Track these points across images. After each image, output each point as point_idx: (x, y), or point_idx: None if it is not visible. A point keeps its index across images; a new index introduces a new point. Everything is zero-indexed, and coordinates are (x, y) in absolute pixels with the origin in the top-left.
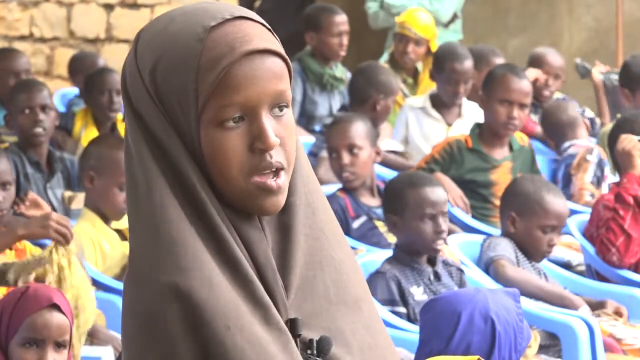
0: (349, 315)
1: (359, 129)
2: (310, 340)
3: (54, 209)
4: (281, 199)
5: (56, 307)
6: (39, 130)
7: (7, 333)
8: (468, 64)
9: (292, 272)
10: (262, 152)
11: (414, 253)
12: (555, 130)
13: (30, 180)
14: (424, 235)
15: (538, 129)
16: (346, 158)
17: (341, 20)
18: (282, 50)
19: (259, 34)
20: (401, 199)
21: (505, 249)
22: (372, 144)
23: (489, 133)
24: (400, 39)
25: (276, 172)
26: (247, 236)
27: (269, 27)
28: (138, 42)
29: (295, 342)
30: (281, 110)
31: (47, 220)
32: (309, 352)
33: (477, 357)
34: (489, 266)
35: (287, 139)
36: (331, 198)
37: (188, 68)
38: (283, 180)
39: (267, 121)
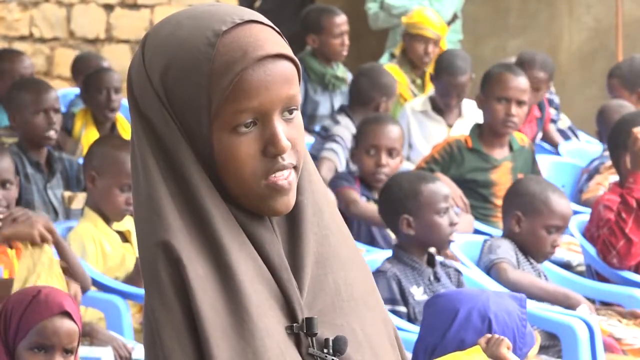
0: (359, 312)
1: (399, 134)
2: (326, 340)
3: (54, 208)
4: (292, 199)
5: (67, 314)
6: (52, 132)
7: (15, 335)
8: (463, 78)
9: (304, 271)
10: (275, 156)
11: (416, 252)
12: (605, 128)
13: (30, 181)
14: (442, 229)
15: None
16: (385, 159)
17: (341, 20)
18: (292, 54)
19: (271, 38)
20: (415, 197)
21: (506, 252)
22: (402, 152)
23: (488, 133)
24: (419, 39)
25: (287, 172)
26: (259, 237)
27: (278, 29)
28: (145, 45)
29: (312, 341)
30: (291, 113)
31: (35, 222)
32: (325, 351)
33: (477, 347)
34: (490, 269)
35: (298, 140)
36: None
37: (200, 73)
38: (293, 178)
39: (279, 125)
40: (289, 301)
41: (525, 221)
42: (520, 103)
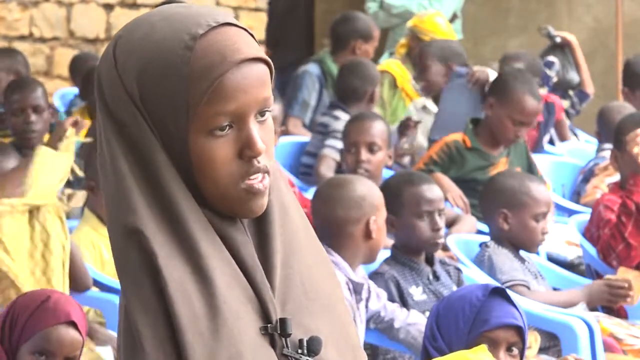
0: (325, 313)
1: (380, 129)
2: (300, 340)
3: None
4: (266, 201)
5: (73, 323)
6: (30, 132)
7: (19, 337)
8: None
9: (274, 272)
10: (251, 159)
11: (412, 252)
12: (605, 129)
13: None
14: (421, 233)
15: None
16: (364, 155)
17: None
18: (266, 56)
19: (246, 41)
20: (398, 197)
21: (511, 267)
22: (387, 147)
23: (489, 134)
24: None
25: (262, 175)
26: (233, 240)
27: (250, 31)
28: (116, 48)
29: (285, 342)
30: (263, 115)
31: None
32: (299, 351)
33: (483, 345)
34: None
35: (269, 142)
36: None
37: (177, 76)
38: (267, 182)
39: (255, 128)
40: (263, 302)
41: (513, 217)
42: (530, 124)
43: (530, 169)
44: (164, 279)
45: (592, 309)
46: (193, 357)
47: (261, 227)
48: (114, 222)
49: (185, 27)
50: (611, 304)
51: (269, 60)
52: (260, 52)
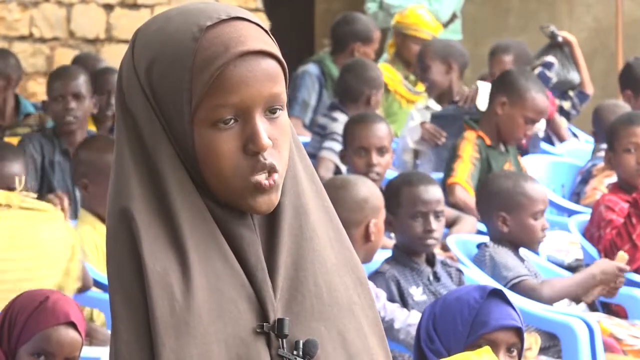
0: (342, 318)
1: (387, 132)
2: (297, 342)
3: (75, 198)
4: (274, 198)
5: (72, 324)
6: (69, 118)
7: (18, 338)
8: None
9: (278, 272)
10: (255, 154)
11: (412, 253)
12: (600, 129)
13: (55, 169)
14: (413, 233)
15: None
16: (376, 158)
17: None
18: (277, 52)
19: (255, 35)
20: (396, 197)
21: (514, 264)
22: (391, 148)
23: (495, 133)
24: (414, 40)
25: (269, 172)
26: (238, 236)
27: (266, 28)
28: (135, 40)
29: (282, 342)
30: (275, 113)
31: None
32: (294, 353)
33: (487, 347)
34: (510, 287)
35: (281, 141)
36: None
37: (182, 67)
38: (276, 179)
39: (261, 123)
40: (262, 301)
41: (512, 219)
42: (538, 122)
43: (519, 169)
44: (146, 268)
45: (592, 309)
46: (162, 352)
47: (270, 227)
48: (110, 206)
49: (196, 20)
50: (616, 283)
51: (281, 58)
52: (271, 47)
